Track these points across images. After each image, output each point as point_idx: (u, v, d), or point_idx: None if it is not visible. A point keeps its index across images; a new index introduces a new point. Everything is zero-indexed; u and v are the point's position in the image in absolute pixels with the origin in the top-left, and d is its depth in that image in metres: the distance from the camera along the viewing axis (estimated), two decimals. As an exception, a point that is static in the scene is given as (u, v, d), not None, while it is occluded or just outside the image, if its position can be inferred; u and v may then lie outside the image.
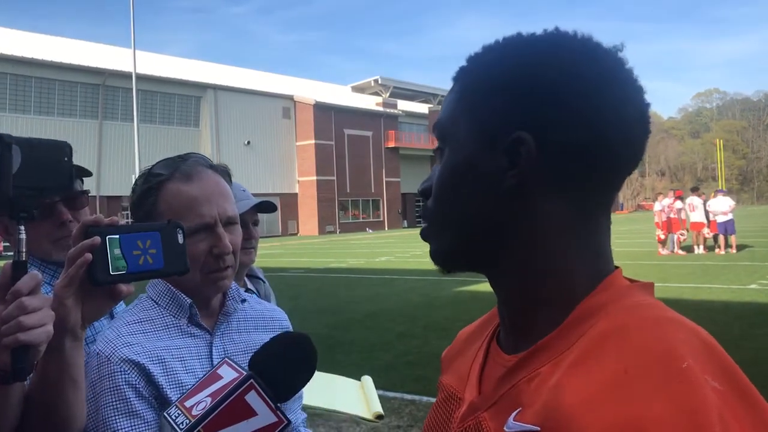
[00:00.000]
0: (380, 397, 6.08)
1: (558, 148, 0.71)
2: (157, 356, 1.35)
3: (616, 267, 0.77)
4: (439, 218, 0.79)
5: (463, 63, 0.80)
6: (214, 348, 1.44)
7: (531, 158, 0.71)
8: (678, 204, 19.42)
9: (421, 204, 0.85)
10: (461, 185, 0.76)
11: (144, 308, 1.44)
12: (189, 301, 1.43)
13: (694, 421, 0.55)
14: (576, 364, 0.65)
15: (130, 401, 1.29)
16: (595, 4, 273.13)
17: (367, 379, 3.04)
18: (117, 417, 1.28)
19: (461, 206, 0.76)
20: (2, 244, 30.59)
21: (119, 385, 1.30)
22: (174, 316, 1.43)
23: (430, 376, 6.61)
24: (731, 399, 0.58)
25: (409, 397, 6.09)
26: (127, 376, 1.31)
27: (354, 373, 6.60)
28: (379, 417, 2.71)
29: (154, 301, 1.45)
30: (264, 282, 2.81)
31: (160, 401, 1.32)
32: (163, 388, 1.32)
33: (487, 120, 0.74)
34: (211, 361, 1.42)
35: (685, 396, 0.56)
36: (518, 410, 0.69)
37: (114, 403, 1.29)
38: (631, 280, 0.76)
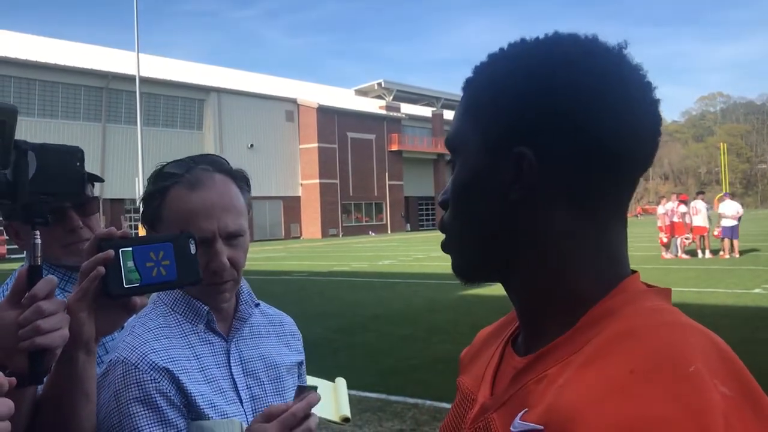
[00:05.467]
0: (383, 400, 6.13)
1: (560, 158, 0.71)
2: (181, 365, 1.33)
3: (634, 271, 0.76)
4: (455, 231, 0.80)
5: (470, 74, 0.80)
6: (231, 355, 1.42)
7: (533, 172, 0.71)
8: (682, 208, 19.36)
9: (438, 215, 0.86)
10: (471, 198, 0.77)
11: (161, 314, 1.41)
12: (206, 308, 1.40)
13: (698, 422, 0.54)
14: (584, 365, 0.65)
15: (162, 409, 1.26)
16: (599, 7, 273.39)
17: (341, 381, 3.03)
18: (150, 426, 1.25)
19: (473, 218, 0.77)
20: (6, 247, 30.70)
21: (150, 393, 1.26)
22: (191, 323, 1.41)
23: (433, 380, 6.61)
24: (740, 405, 0.57)
25: (411, 400, 6.08)
26: (157, 384, 1.27)
27: (357, 376, 6.59)
28: (345, 420, 2.71)
29: (170, 308, 1.41)
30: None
31: (187, 409, 1.29)
32: (188, 396, 1.29)
33: (492, 133, 0.74)
34: (229, 368, 1.40)
35: (691, 397, 0.56)
36: (525, 411, 0.69)
37: (144, 412, 1.25)
38: (648, 285, 0.75)
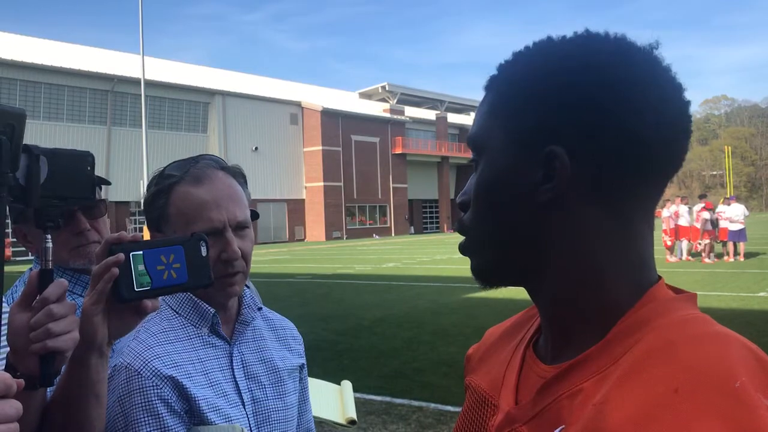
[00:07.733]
0: (387, 403, 6.13)
1: (593, 158, 0.69)
2: (185, 369, 1.34)
3: (659, 277, 0.74)
4: (477, 232, 0.78)
5: (494, 72, 0.78)
6: (233, 358, 1.43)
7: (565, 172, 0.69)
8: (705, 214, 18.93)
9: (458, 217, 0.82)
10: (496, 198, 0.75)
11: (165, 317, 1.42)
12: (212, 310, 1.42)
13: None
14: (622, 381, 0.63)
15: (162, 417, 1.28)
16: (604, 11, 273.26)
17: (346, 384, 3.03)
18: None
19: (497, 220, 0.75)
20: (11, 249, 30.76)
21: (151, 400, 1.28)
22: (195, 326, 1.42)
23: (438, 383, 6.61)
24: None
25: (416, 403, 6.07)
26: (159, 390, 1.29)
27: (361, 379, 6.60)
28: (352, 422, 2.71)
29: (174, 311, 1.43)
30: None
31: (189, 415, 1.31)
32: (192, 401, 1.31)
33: (520, 132, 0.72)
34: (232, 371, 1.41)
35: (739, 416, 0.54)
36: (561, 428, 0.67)
37: (146, 419, 1.27)
38: (675, 290, 0.74)
